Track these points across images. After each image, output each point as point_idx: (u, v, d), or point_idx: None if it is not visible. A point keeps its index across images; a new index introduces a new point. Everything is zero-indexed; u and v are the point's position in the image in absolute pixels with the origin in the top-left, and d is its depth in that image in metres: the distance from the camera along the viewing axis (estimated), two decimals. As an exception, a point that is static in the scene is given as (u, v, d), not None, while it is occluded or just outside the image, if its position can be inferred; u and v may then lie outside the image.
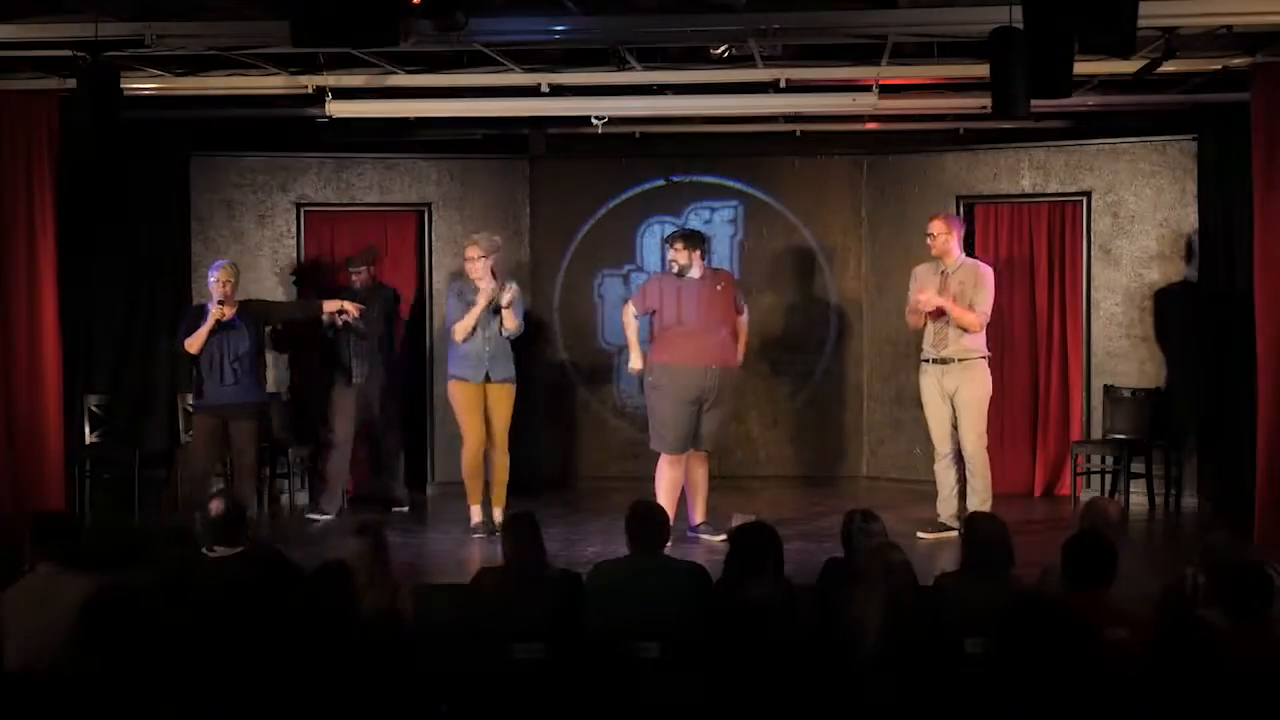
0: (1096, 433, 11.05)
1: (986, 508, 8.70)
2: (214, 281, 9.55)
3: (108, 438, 10.85)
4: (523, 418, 11.85)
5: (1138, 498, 10.58)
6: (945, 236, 9.31)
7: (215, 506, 6.49)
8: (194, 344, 9.42)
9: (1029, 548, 8.21)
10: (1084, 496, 10.68)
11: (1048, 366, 11.41)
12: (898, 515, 9.81)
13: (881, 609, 5.31)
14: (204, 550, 6.30)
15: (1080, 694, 4.42)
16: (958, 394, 9.30)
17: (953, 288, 9.27)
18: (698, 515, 9.19)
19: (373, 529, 6.21)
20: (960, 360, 9.27)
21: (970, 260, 9.51)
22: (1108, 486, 10.89)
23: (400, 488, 10.66)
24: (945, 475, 9.38)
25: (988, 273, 9.35)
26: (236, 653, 4.88)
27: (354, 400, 10.37)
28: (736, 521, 6.64)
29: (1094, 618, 4.76)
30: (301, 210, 11.52)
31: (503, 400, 9.53)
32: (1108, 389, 11.00)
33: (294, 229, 11.47)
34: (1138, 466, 10.63)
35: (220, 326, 9.42)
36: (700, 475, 9.23)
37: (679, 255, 9.15)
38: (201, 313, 9.53)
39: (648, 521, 6.30)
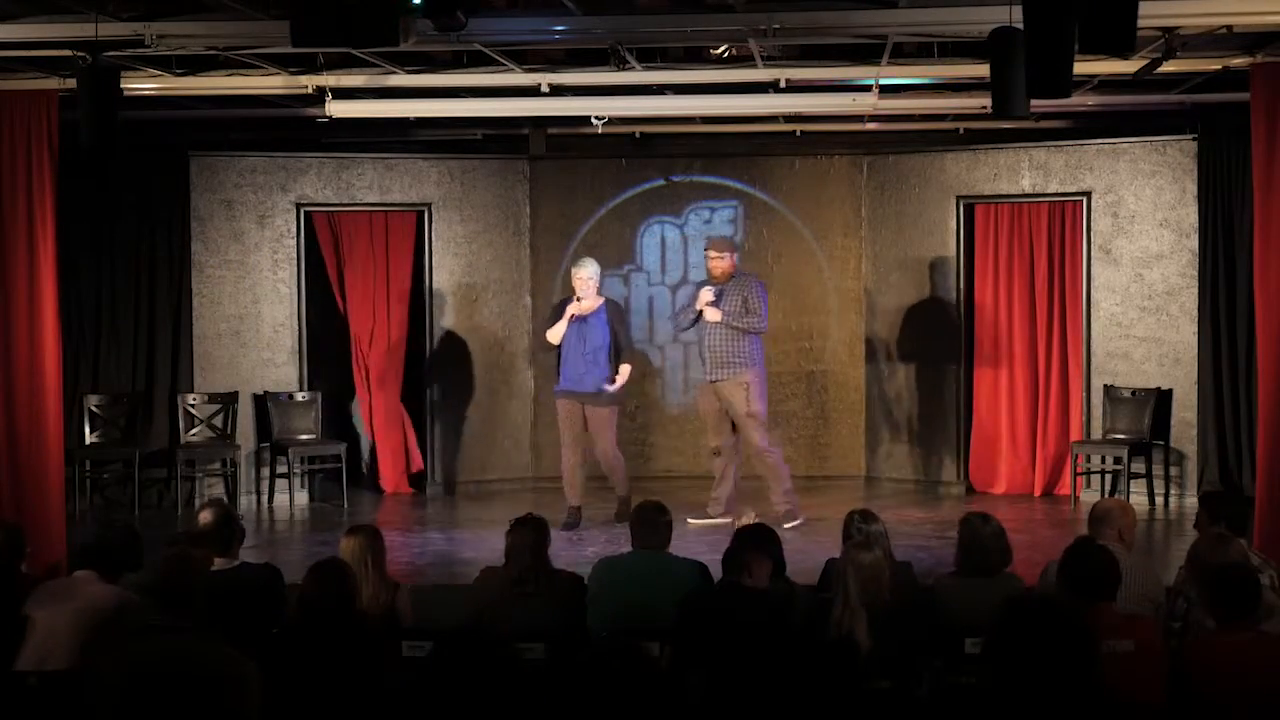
0: (1096, 433, 11.05)
1: None
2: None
3: (108, 438, 10.85)
4: (523, 418, 11.90)
5: (1138, 498, 10.58)
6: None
7: (204, 517, 6.29)
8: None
9: (1030, 547, 8.26)
10: (1084, 496, 10.70)
11: (1048, 366, 11.41)
12: (898, 515, 9.82)
13: (857, 609, 5.31)
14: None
15: (1080, 694, 4.41)
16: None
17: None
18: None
19: (366, 528, 6.16)
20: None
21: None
22: (1108, 486, 10.90)
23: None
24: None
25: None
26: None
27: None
28: (743, 520, 6.67)
29: (1097, 629, 4.72)
30: (301, 210, 11.52)
31: None
32: (1108, 389, 11.00)
33: (294, 229, 11.47)
34: (1138, 466, 10.64)
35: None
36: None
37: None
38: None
39: (651, 520, 6.31)
